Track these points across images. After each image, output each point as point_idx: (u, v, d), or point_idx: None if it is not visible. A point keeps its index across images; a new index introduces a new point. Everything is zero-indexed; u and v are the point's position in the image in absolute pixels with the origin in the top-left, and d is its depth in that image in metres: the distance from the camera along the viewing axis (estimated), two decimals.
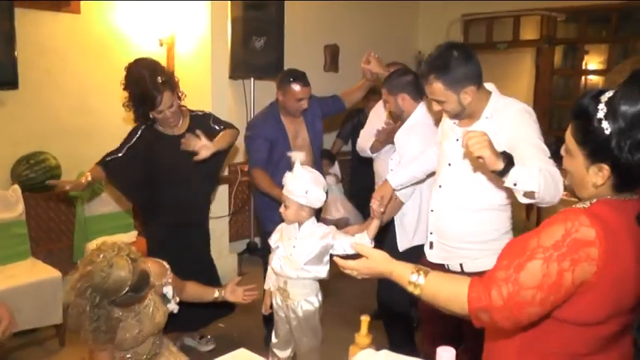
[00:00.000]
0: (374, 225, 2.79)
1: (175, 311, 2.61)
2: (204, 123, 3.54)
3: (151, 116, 3.35)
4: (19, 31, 4.05)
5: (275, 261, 2.90)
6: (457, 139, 2.47)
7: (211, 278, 3.74)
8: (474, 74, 2.37)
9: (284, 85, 3.63)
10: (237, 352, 2.05)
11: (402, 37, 7.15)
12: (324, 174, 5.69)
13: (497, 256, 1.69)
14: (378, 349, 1.60)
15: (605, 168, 1.41)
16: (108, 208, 4.56)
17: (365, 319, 1.67)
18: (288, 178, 2.78)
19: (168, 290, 2.57)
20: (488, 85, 2.49)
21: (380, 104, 3.82)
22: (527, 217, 5.40)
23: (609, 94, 1.39)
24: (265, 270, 3.21)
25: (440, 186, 2.60)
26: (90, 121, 4.57)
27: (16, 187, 4.02)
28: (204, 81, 4.82)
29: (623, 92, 1.36)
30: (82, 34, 4.54)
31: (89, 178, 3.31)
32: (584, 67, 7.28)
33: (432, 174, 2.88)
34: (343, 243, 2.80)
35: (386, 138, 3.62)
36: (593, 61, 7.68)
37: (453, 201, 2.54)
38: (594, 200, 1.46)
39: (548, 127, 6.69)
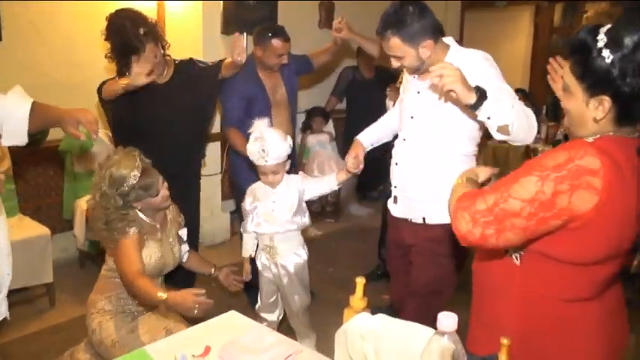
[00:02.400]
0: (343, 174, 2.87)
1: (185, 258, 2.83)
2: (189, 67, 3.52)
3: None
4: None
5: (256, 222, 2.90)
6: (418, 92, 2.49)
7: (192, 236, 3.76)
8: (430, 28, 2.34)
9: (264, 40, 3.54)
10: (227, 314, 2.00)
11: None
12: (318, 132, 5.66)
13: None
14: (373, 312, 1.55)
15: (606, 99, 1.37)
16: (98, 162, 4.45)
17: (360, 281, 1.61)
18: (270, 149, 2.74)
19: (183, 232, 2.81)
20: (447, 39, 2.46)
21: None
22: None
23: (607, 26, 1.36)
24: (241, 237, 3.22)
25: (404, 139, 2.58)
26: (77, 74, 4.42)
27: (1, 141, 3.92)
28: (196, 36, 4.72)
29: (623, 22, 1.34)
30: None
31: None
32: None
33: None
34: (313, 185, 2.93)
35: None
36: (592, 19, 7.56)
37: (416, 153, 2.53)
38: (597, 136, 1.41)
39: (546, 87, 6.62)
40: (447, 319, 1.09)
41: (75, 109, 2.19)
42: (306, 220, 2.92)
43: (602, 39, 1.34)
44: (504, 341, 1.27)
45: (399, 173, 2.62)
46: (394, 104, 3.69)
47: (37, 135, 3.83)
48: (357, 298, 1.59)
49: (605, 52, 1.33)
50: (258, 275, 3.04)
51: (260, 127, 2.79)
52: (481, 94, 1.95)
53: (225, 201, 5.30)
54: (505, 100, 2.03)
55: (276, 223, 2.86)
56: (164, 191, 2.59)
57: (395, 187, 2.65)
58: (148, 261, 2.51)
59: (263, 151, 2.73)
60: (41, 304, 3.88)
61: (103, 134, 4.45)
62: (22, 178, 4.21)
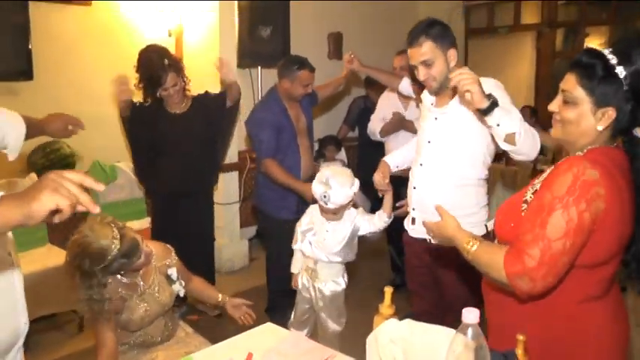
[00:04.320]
0: (387, 199, 2.90)
1: (182, 294, 2.66)
2: (203, 98, 3.96)
3: (158, 95, 3.70)
4: (33, 23, 4.14)
5: (306, 244, 2.99)
6: (435, 118, 2.63)
7: (207, 256, 4.15)
8: (454, 40, 2.57)
9: (292, 72, 3.72)
10: (264, 325, 2.15)
11: (403, 23, 7.10)
12: (331, 159, 5.82)
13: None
14: (400, 318, 1.70)
15: (611, 110, 1.53)
16: (122, 194, 4.66)
17: (388, 290, 1.77)
18: (332, 195, 2.79)
19: (172, 272, 2.61)
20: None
21: (387, 90, 3.95)
22: None
23: (610, 48, 1.54)
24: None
25: (421, 164, 2.70)
26: (100, 109, 4.61)
27: (33, 175, 4.12)
28: (212, 70, 4.88)
29: (628, 41, 1.52)
30: (93, 25, 4.64)
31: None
32: None
33: None
34: (365, 224, 2.95)
35: (394, 127, 3.77)
36: (594, 44, 7.74)
37: (433, 177, 2.66)
38: (585, 150, 1.58)
39: None
40: (470, 313, 1.24)
41: (51, 117, 2.36)
42: (352, 256, 3.01)
43: (612, 58, 1.51)
44: (520, 337, 1.42)
45: (417, 196, 2.73)
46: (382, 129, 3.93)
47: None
48: (386, 306, 1.74)
49: (619, 69, 1.50)
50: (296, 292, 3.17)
51: (325, 173, 2.85)
52: (493, 101, 2.06)
53: (244, 228, 5.45)
54: (513, 113, 2.17)
55: (324, 252, 2.95)
56: (144, 249, 2.41)
57: (413, 209, 2.76)
58: (130, 317, 2.42)
59: (325, 196, 2.81)
60: (70, 330, 4.02)
61: (125, 166, 4.65)
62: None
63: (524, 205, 1.65)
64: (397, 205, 2.99)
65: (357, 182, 2.89)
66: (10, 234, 1.88)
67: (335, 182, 2.80)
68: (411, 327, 1.65)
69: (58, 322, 4.02)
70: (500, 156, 5.53)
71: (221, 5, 4.84)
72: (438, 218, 2.57)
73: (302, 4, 5.73)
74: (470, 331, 1.26)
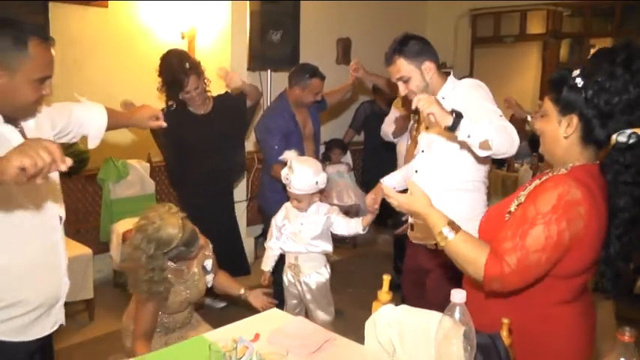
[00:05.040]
0: (368, 218, 3.05)
1: (210, 285, 2.90)
2: (224, 98, 4.07)
3: (180, 97, 3.79)
4: (52, 23, 4.30)
5: (282, 239, 3.18)
6: (427, 128, 2.72)
7: (240, 251, 4.34)
8: (430, 52, 2.62)
9: (303, 80, 3.87)
10: (270, 311, 2.29)
11: (411, 31, 7.24)
12: (336, 162, 5.97)
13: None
14: (397, 304, 1.84)
15: (575, 117, 1.65)
16: (132, 191, 4.80)
17: (386, 278, 1.90)
18: (293, 179, 3.01)
19: (208, 263, 2.85)
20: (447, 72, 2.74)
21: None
22: None
23: (580, 67, 1.66)
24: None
25: (416, 171, 2.81)
26: (115, 107, 4.79)
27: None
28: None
29: (594, 60, 1.65)
30: (109, 27, 4.80)
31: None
32: None
33: None
34: (341, 223, 3.12)
35: (401, 130, 3.96)
36: None
37: (428, 183, 2.69)
38: (569, 166, 1.70)
39: None
40: (458, 294, 1.37)
41: (139, 108, 2.56)
42: (328, 247, 3.17)
43: (576, 72, 1.64)
44: (505, 320, 1.55)
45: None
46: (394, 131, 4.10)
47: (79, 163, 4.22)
48: (384, 292, 1.88)
49: (578, 80, 1.63)
50: (283, 290, 3.32)
51: (290, 156, 3.06)
52: (457, 115, 2.11)
53: (251, 227, 5.61)
54: (482, 119, 2.19)
55: (300, 244, 3.12)
56: (199, 242, 2.67)
57: (411, 215, 2.88)
58: (174, 299, 2.64)
59: (287, 179, 3.03)
60: (82, 319, 4.17)
61: (137, 163, 4.80)
62: (65, 204, 4.53)
63: (507, 216, 1.76)
64: (403, 219, 3.09)
65: (323, 175, 3.07)
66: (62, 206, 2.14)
67: (298, 167, 3.00)
68: (406, 311, 1.78)
69: (69, 311, 4.09)
70: (502, 162, 5.67)
71: (233, 10, 5.00)
72: None
73: (312, 10, 5.87)
74: (457, 310, 1.39)
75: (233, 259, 3.37)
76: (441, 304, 2.73)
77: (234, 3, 4.99)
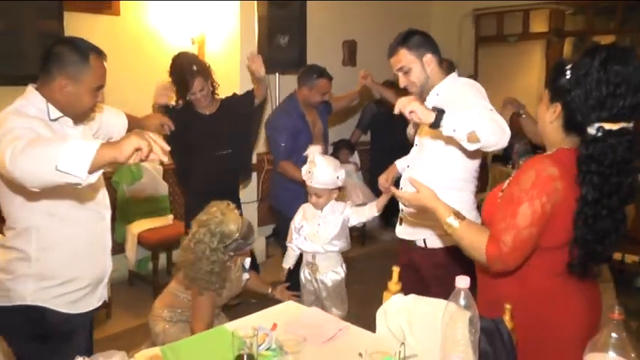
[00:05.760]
0: (383, 197, 3.15)
1: (243, 283, 3.11)
2: (230, 100, 4.19)
3: (188, 98, 3.94)
4: (67, 31, 4.42)
5: (301, 240, 3.25)
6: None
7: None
8: (433, 46, 2.67)
9: (311, 80, 4.01)
10: (285, 303, 2.41)
11: None
12: (344, 162, 6.07)
13: None
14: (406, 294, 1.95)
15: (558, 106, 1.78)
16: (146, 192, 4.94)
17: (396, 269, 2.02)
18: (315, 173, 3.10)
19: (247, 262, 3.10)
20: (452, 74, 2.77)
21: None
22: None
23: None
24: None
25: (408, 166, 2.88)
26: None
27: None
28: (233, 76, 5.18)
29: (584, 54, 1.75)
30: (121, 33, 4.93)
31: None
32: None
33: None
34: (356, 214, 3.21)
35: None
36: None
37: (419, 179, 2.81)
38: (555, 149, 1.83)
39: None
40: (462, 280, 1.48)
41: (149, 116, 2.82)
42: (346, 244, 3.26)
43: (569, 64, 1.76)
44: (507, 306, 1.67)
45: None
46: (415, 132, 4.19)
47: None
48: (394, 283, 2.00)
49: (568, 72, 1.74)
50: (300, 288, 3.42)
51: (314, 151, 3.16)
52: (439, 111, 2.09)
53: (262, 227, 5.72)
54: (468, 110, 2.16)
55: (318, 243, 3.19)
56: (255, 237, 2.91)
57: (402, 210, 2.90)
58: (221, 293, 2.85)
59: (309, 172, 3.12)
60: (98, 317, 4.25)
61: (150, 165, 4.92)
62: None
63: (500, 194, 1.89)
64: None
65: (342, 172, 3.17)
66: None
67: (321, 162, 3.09)
68: (415, 300, 1.90)
69: None
70: (506, 159, 5.77)
71: (241, 15, 5.13)
72: (422, 220, 2.74)
73: (318, 14, 5.98)
74: (462, 294, 1.50)
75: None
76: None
77: (242, 8, 5.12)
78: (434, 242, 2.75)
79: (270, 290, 3.22)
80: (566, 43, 7.31)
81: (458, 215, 1.85)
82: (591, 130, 1.71)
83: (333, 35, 6.45)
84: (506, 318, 1.71)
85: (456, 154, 2.58)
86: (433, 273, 2.77)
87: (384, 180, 3.10)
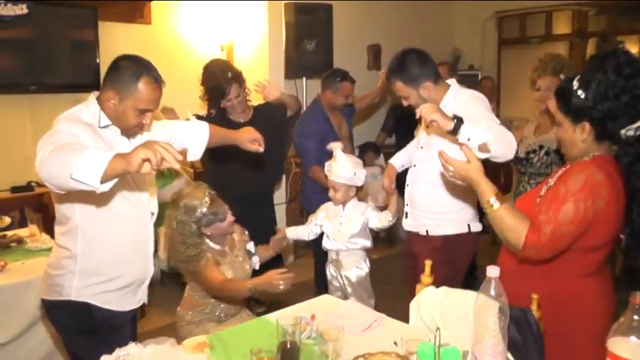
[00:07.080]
0: (392, 200, 3.21)
1: (257, 267, 3.17)
2: (265, 107, 4.20)
3: (222, 105, 3.94)
4: (101, 40, 4.59)
5: (325, 239, 3.35)
6: (427, 126, 2.89)
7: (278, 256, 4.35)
8: (429, 72, 2.78)
9: (334, 83, 4.13)
10: (321, 297, 2.51)
11: (439, 34, 7.50)
12: (370, 165, 6.15)
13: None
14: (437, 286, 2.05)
15: (586, 124, 1.89)
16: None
17: (428, 263, 2.12)
18: (335, 167, 3.20)
19: (251, 246, 3.13)
20: (449, 81, 2.91)
21: None
22: None
23: (578, 76, 1.89)
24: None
25: (414, 165, 3.04)
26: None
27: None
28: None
29: (587, 69, 1.88)
30: (152, 41, 5.09)
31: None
32: None
33: None
34: (374, 217, 3.26)
35: None
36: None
37: (422, 177, 2.97)
38: (591, 155, 1.92)
39: None
40: (493, 269, 1.57)
41: (242, 130, 2.80)
42: (367, 243, 3.33)
43: (575, 84, 1.87)
44: (534, 295, 1.76)
45: (409, 193, 3.08)
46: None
47: None
48: (426, 276, 2.10)
49: (580, 92, 1.86)
50: (327, 284, 3.51)
51: (336, 147, 3.22)
52: (458, 120, 2.21)
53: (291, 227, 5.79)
54: (481, 123, 2.33)
55: (340, 241, 3.29)
56: (230, 217, 2.90)
57: (407, 204, 3.10)
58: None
59: (329, 165, 3.23)
60: None
61: (182, 169, 5.05)
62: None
63: (538, 200, 1.99)
64: None
65: (362, 171, 3.24)
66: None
67: (341, 157, 3.17)
68: (447, 292, 2.00)
69: None
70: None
71: (269, 22, 5.27)
72: (425, 213, 2.96)
73: (343, 18, 6.06)
74: (493, 283, 1.59)
75: (270, 260, 3.53)
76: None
77: (270, 14, 5.25)
78: (435, 231, 2.95)
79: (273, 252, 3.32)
80: (589, 43, 7.30)
81: (499, 197, 1.90)
82: (628, 132, 1.84)
83: (358, 40, 6.55)
84: (534, 308, 1.81)
85: (462, 155, 2.68)
86: (428, 255, 2.76)
87: (388, 183, 3.21)
